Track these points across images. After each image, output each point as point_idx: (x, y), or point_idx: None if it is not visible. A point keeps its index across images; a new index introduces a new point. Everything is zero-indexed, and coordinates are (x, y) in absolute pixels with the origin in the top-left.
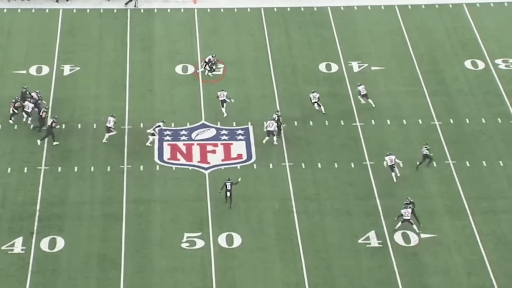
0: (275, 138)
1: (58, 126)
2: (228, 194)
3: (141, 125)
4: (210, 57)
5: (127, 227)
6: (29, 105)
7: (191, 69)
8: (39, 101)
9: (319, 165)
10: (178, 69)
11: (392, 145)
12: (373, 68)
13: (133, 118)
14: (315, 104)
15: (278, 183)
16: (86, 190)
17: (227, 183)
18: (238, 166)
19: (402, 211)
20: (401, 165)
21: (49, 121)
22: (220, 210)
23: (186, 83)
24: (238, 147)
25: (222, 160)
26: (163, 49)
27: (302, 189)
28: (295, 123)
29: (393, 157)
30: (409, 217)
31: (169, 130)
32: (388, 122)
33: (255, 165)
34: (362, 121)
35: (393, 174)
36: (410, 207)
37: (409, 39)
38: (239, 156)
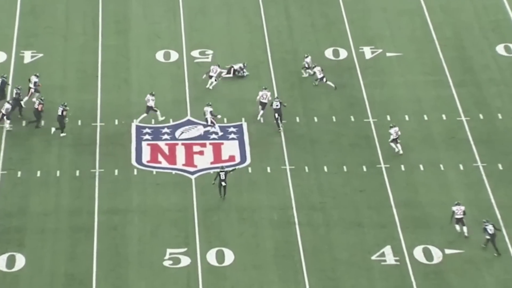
0: (262, 112)
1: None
2: (223, 184)
3: (116, 121)
4: (241, 65)
5: (100, 242)
6: (5, 106)
7: (174, 55)
8: (20, 96)
9: (325, 169)
10: (159, 55)
11: (411, 144)
12: (388, 54)
13: (106, 113)
14: (323, 80)
15: (277, 190)
16: (50, 199)
17: (221, 173)
18: (231, 173)
19: (454, 208)
20: (422, 168)
21: (59, 110)
22: (208, 222)
23: (168, 73)
24: (230, 148)
25: (211, 163)
26: (141, 32)
27: (305, 197)
28: (297, 119)
29: (397, 128)
30: (461, 216)
31: (149, 127)
32: (407, 117)
33: (250, 169)
34: (376, 116)
35: (398, 146)
36: (462, 208)
37: (430, 20)
38: (231, 158)
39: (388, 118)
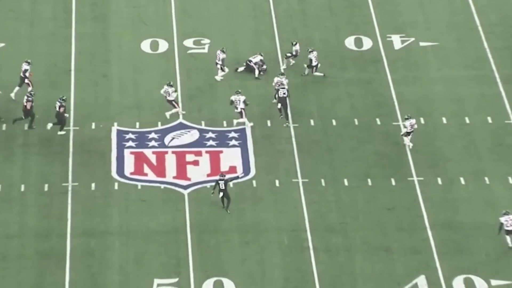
0: (274, 99)
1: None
2: (221, 194)
3: (93, 125)
4: (261, 57)
5: (73, 270)
6: None
7: (163, 45)
8: None
9: (346, 182)
10: (145, 45)
11: (449, 152)
12: (422, 43)
13: (80, 115)
14: (317, 67)
15: (288, 208)
16: (13, 218)
17: (220, 182)
18: (231, 183)
19: (503, 219)
20: (463, 181)
21: (56, 106)
22: (204, 246)
23: (156, 66)
24: (230, 157)
25: (208, 175)
26: (123, 17)
27: (322, 216)
28: (311, 122)
29: (413, 121)
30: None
31: (133, 132)
32: (444, 120)
33: (254, 182)
34: None
35: (406, 139)
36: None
37: (473, 3)
38: (232, 169)
39: (422, 121)
